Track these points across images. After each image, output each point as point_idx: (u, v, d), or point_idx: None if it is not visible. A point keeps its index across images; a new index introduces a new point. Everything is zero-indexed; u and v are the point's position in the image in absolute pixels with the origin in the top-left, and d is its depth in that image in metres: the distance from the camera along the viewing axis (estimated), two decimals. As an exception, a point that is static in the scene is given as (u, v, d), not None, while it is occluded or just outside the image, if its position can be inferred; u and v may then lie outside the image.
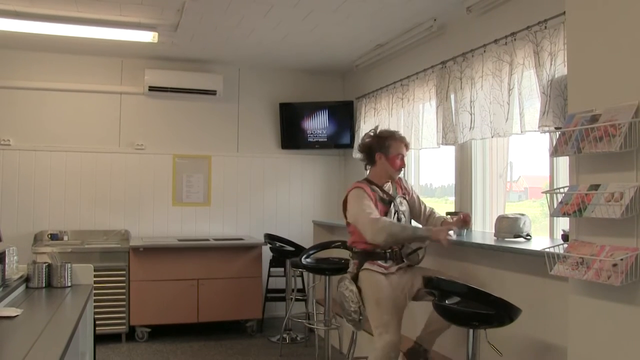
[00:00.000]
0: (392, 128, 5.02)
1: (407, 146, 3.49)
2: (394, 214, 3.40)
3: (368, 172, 3.52)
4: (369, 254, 3.35)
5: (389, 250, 3.32)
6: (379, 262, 3.33)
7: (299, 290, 5.51)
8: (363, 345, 4.36)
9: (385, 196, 3.45)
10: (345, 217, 3.48)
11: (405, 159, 3.53)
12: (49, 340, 2.09)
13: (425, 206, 3.70)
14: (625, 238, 2.06)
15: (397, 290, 3.30)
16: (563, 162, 3.29)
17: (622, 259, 2.00)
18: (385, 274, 3.30)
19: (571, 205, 2.23)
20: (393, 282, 3.30)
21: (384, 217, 3.33)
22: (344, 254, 4.55)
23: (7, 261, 2.90)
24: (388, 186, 3.50)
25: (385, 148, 3.39)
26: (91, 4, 4.26)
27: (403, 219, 3.43)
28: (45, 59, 5.59)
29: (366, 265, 3.33)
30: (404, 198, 3.55)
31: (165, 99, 5.92)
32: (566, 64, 2.80)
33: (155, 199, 5.93)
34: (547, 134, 3.13)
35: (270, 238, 5.66)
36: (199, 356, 4.84)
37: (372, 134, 3.51)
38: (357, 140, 5.75)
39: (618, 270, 2.00)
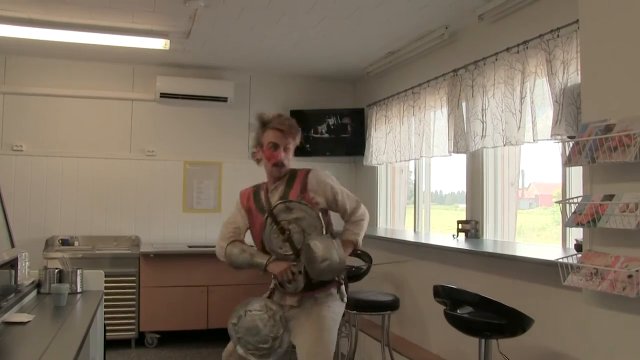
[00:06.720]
0: (404, 136, 5.04)
1: (283, 131, 2.71)
2: (271, 226, 2.66)
3: None
4: None
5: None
6: None
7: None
8: (364, 351, 4.34)
9: (264, 204, 2.78)
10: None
11: (285, 148, 2.75)
12: (61, 346, 2.10)
13: (346, 210, 2.94)
14: (641, 249, 2.04)
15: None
16: (575, 170, 3.27)
17: (637, 270, 1.98)
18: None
19: (585, 216, 2.21)
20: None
21: (230, 235, 2.82)
22: (355, 260, 4.53)
23: (19, 267, 2.92)
24: (282, 188, 2.80)
25: (261, 137, 2.82)
26: (103, 11, 4.30)
27: (294, 230, 2.64)
28: (57, 65, 5.64)
29: None
30: (299, 202, 2.68)
31: (176, 105, 5.95)
32: (579, 72, 2.79)
33: (166, 205, 5.95)
34: (559, 142, 3.13)
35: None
36: (208, 363, 4.84)
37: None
38: (368, 148, 5.75)
39: (634, 282, 1.98)
